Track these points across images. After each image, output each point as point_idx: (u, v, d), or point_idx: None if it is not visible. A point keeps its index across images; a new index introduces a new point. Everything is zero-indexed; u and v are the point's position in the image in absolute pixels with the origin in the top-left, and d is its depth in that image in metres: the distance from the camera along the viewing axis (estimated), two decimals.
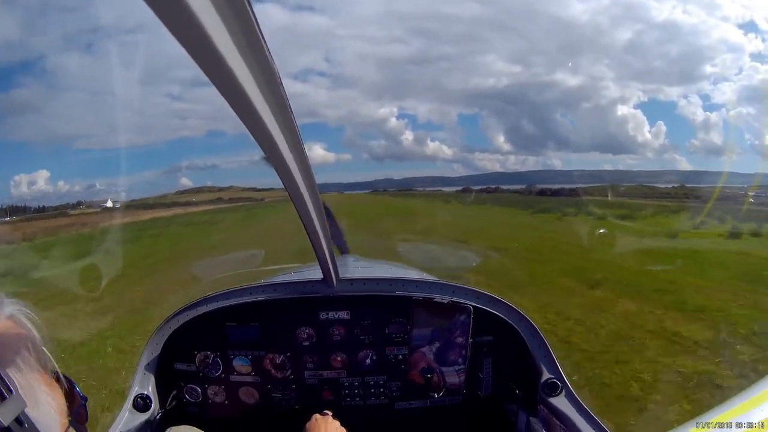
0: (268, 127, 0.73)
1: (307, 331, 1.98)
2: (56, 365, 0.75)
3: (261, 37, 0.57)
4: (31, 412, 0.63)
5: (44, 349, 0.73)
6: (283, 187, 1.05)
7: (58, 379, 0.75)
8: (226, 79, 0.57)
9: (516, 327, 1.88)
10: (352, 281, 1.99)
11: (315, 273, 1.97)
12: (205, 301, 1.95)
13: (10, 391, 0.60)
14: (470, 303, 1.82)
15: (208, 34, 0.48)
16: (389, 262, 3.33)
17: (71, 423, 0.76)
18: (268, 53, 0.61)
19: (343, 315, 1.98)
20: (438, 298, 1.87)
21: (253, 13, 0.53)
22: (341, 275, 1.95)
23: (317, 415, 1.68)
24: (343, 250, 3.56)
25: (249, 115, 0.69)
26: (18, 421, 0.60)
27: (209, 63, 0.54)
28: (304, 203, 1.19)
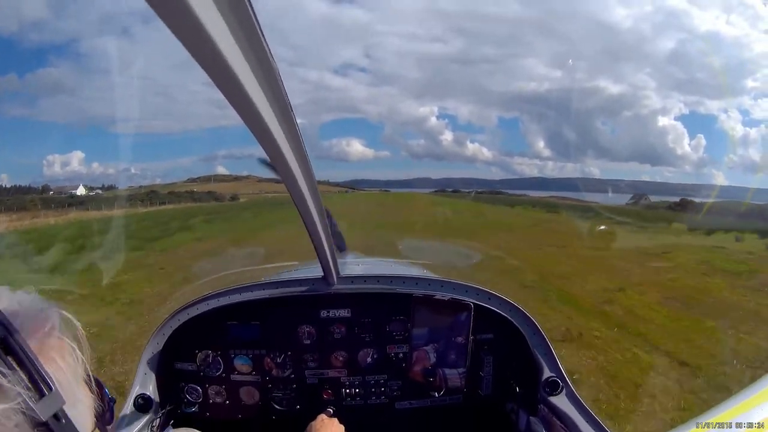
0: (268, 125, 0.73)
1: (307, 329, 1.97)
2: (89, 367, 0.77)
3: (261, 35, 0.57)
4: (69, 410, 0.65)
5: (80, 351, 0.75)
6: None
7: (88, 381, 0.78)
8: (226, 77, 0.57)
9: (516, 324, 1.87)
10: (352, 279, 1.99)
11: (315, 271, 1.97)
12: (206, 299, 1.95)
13: (50, 387, 0.63)
14: (470, 300, 1.81)
15: (207, 30, 0.47)
16: (390, 259, 3.32)
17: (98, 425, 0.78)
18: (268, 51, 0.60)
19: (344, 313, 1.98)
20: (438, 295, 1.87)
21: (252, 10, 0.53)
22: (342, 273, 1.95)
23: (323, 416, 1.68)
24: (341, 248, 3.55)
25: (249, 113, 0.69)
26: (56, 416, 0.62)
27: (209, 61, 0.53)
28: (305, 200, 1.18)
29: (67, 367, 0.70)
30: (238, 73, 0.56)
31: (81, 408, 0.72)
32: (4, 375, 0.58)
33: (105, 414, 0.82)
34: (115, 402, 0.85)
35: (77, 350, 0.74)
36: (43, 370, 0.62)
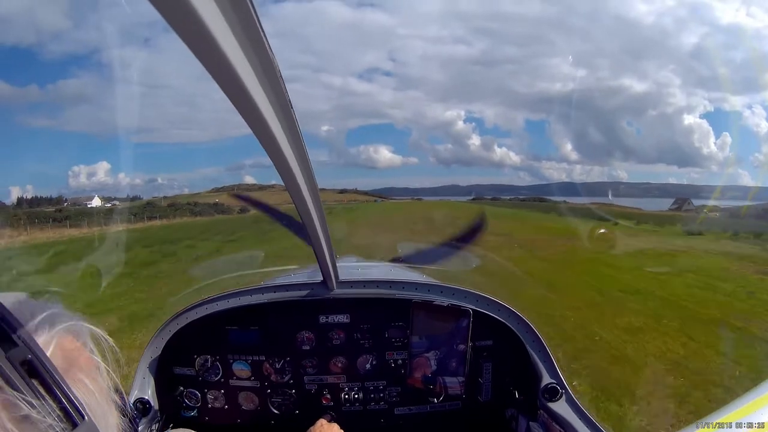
0: (271, 130, 0.74)
1: (306, 335, 1.97)
2: (119, 381, 0.71)
3: (264, 38, 0.57)
4: None
5: (107, 367, 0.68)
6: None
7: (120, 402, 0.71)
8: (231, 82, 0.58)
9: (515, 330, 1.87)
10: (351, 283, 1.99)
11: (315, 275, 1.97)
12: (205, 303, 1.95)
13: (82, 416, 0.55)
14: (470, 306, 1.81)
15: (212, 34, 0.48)
16: (390, 264, 3.32)
17: None
18: (270, 53, 0.61)
19: (343, 318, 1.97)
20: (438, 300, 1.87)
21: (255, 12, 0.53)
22: (341, 277, 1.95)
23: (323, 420, 1.68)
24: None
25: (253, 119, 0.69)
26: None
27: (213, 64, 0.54)
28: (306, 205, 1.18)
29: (97, 390, 0.64)
30: (244, 80, 0.57)
31: None
32: (32, 405, 0.52)
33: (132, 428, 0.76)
34: (140, 420, 0.79)
35: (108, 369, 0.68)
36: (74, 396, 0.55)
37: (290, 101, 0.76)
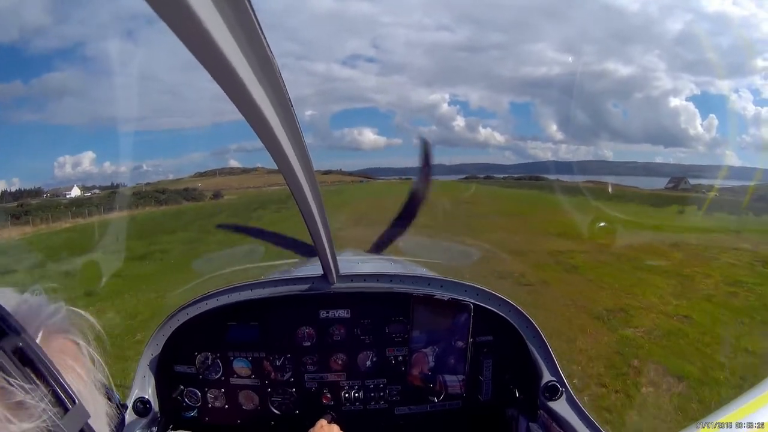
0: (266, 117, 0.72)
1: (307, 330, 1.96)
2: (105, 367, 0.72)
3: (258, 26, 0.56)
4: (93, 424, 0.60)
5: (98, 357, 0.70)
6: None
7: (108, 388, 0.73)
8: (223, 69, 0.56)
9: (516, 326, 1.86)
10: (352, 277, 1.98)
11: (315, 269, 1.96)
12: (206, 298, 1.93)
13: (74, 401, 0.57)
14: (470, 300, 1.79)
15: (204, 24, 0.47)
16: (391, 258, 3.31)
17: None
18: (264, 41, 0.59)
19: (343, 313, 1.96)
20: (438, 294, 1.85)
21: (250, 4, 0.52)
22: (341, 271, 1.94)
23: (323, 421, 1.68)
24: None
25: (247, 107, 0.67)
26: None
27: (205, 52, 0.52)
28: (304, 196, 1.17)
29: (87, 375, 0.65)
30: (236, 67, 0.56)
31: (103, 419, 0.68)
32: (26, 390, 0.53)
33: (119, 422, 0.76)
34: (127, 409, 0.79)
35: (95, 354, 0.69)
36: (65, 382, 0.57)
37: (288, 94, 0.74)
